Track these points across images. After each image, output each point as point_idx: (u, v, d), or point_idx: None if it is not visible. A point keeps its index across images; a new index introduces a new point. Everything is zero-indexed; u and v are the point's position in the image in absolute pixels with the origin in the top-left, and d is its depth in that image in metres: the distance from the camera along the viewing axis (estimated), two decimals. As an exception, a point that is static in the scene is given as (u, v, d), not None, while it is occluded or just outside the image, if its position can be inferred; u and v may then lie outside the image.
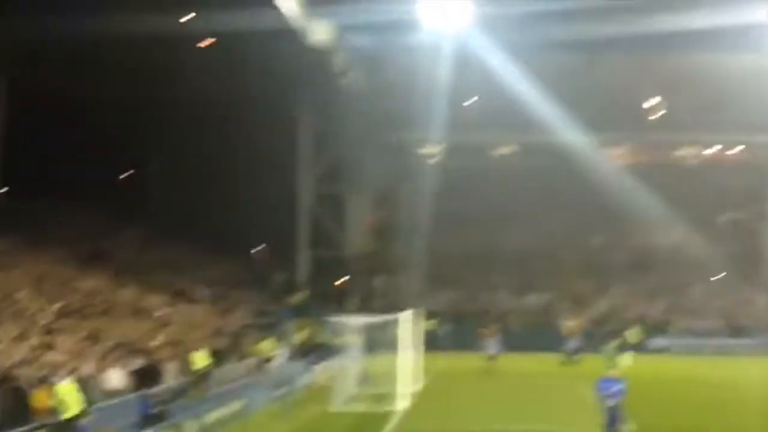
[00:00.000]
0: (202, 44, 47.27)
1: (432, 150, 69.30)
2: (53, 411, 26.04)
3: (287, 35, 45.40)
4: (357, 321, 40.31)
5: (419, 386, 38.45)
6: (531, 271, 68.07)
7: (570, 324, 57.44)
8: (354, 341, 40.70)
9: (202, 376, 37.78)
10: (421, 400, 36.39)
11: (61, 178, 52.97)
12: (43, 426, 25.88)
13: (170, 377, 36.82)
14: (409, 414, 33.09)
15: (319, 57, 51.61)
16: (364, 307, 55.54)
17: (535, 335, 57.73)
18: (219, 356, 42.20)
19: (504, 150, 72.41)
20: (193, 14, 42.80)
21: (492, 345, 47.29)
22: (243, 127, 54.62)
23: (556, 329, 58.16)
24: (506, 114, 61.00)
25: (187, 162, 58.82)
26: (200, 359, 38.67)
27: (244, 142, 56.52)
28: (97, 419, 26.72)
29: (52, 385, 27.14)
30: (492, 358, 46.73)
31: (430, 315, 50.85)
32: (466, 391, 40.29)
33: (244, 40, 44.03)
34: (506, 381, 43.54)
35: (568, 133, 63.40)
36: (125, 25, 40.91)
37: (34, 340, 34.05)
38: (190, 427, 28.48)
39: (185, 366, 38.41)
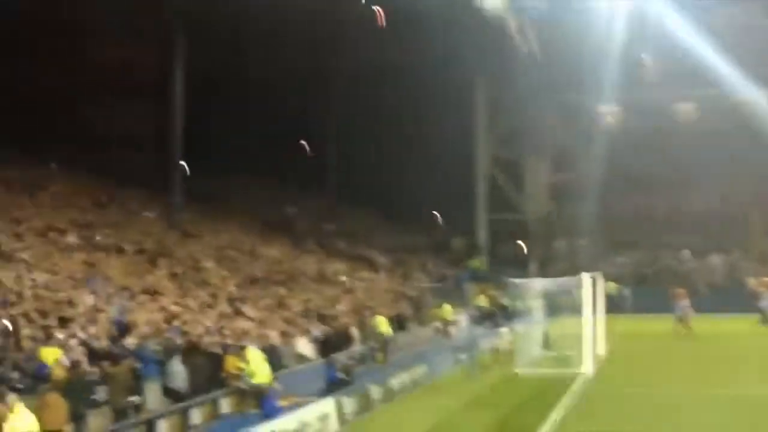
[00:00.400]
0: (378, 12, 47.81)
1: (610, 111, 67.91)
2: (243, 377, 27.25)
3: (461, 1, 45.74)
4: (538, 284, 41.12)
5: (604, 349, 38.47)
6: (714, 231, 66.13)
7: (756, 283, 56.05)
8: (535, 304, 41.25)
9: (385, 341, 38.87)
10: (607, 363, 36.57)
11: (240, 150, 54.81)
12: (233, 392, 27.33)
13: (354, 343, 37.81)
14: (597, 377, 33.27)
15: (493, 21, 51.74)
16: (544, 271, 56.35)
17: (721, 296, 55.84)
18: (401, 321, 43.44)
19: (684, 109, 69.51)
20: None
21: (681, 307, 46.46)
22: (419, 94, 54.92)
23: (742, 289, 56.71)
24: (686, 73, 58.61)
25: (364, 131, 59.88)
26: (383, 325, 39.91)
27: (421, 109, 57.17)
28: (284, 385, 27.69)
29: (241, 352, 29.23)
30: (682, 319, 45.79)
31: (610, 278, 50.11)
32: (657, 354, 39.71)
33: (419, 7, 44.34)
34: (701, 343, 42.44)
35: (751, 90, 60.78)
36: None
37: (221, 309, 35.81)
38: (375, 392, 29.18)
39: (368, 332, 39.66)
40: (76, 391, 22.04)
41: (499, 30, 53.33)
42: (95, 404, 23.10)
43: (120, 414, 23.24)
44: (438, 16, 46.68)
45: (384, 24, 48.93)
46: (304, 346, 35.79)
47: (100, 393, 23.50)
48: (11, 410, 17.02)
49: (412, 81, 53.69)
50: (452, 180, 63.08)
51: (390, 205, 65.04)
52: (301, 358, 34.62)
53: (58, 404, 20.44)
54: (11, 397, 17.42)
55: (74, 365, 23.48)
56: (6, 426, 16.91)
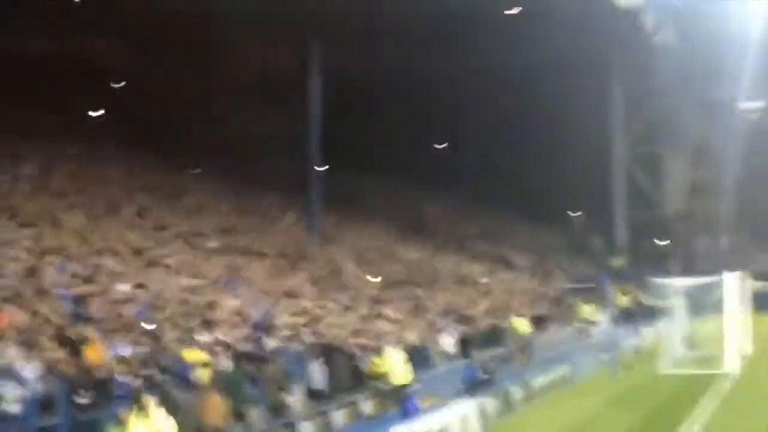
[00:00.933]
0: (512, 11, 47.98)
1: (751, 105, 66.02)
2: (383, 378, 28.05)
3: None
4: (680, 283, 40.54)
5: (750, 349, 38.03)
6: None
7: None
8: (678, 304, 40.85)
9: (526, 341, 39.24)
10: (753, 362, 36.15)
11: (378, 153, 55.94)
12: (374, 392, 28.19)
13: (450, 350, 37.67)
14: (742, 377, 32.96)
15: (629, 15, 51.61)
16: (686, 269, 55.55)
17: None
18: (541, 322, 43.94)
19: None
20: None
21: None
22: (555, 92, 54.94)
23: None
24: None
25: (500, 130, 60.25)
26: (523, 325, 40.12)
27: (557, 106, 56.98)
28: (424, 386, 28.20)
29: (381, 353, 30.19)
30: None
31: (756, 276, 48.68)
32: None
33: (553, 4, 44.63)
34: None
35: None
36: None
37: (363, 311, 36.84)
38: (516, 392, 29.47)
39: (509, 332, 40.20)
40: (235, 391, 23.31)
41: (635, 24, 53.00)
42: (253, 402, 24.24)
43: (276, 412, 24.49)
44: (573, 12, 46.67)
45: (519, 22, 49.05)
46: (448, 345, 36.76)
47: (256, 392, 24.76)
48: (147, 414, 16.39)
49: (548, 79, 53.74)
50: (590, 178, 63.15)
51: (528, 205, 64.77)
52: (443, 358, 35.46)
53: (217, 403, 21.78)
54: (148, 400, 17.14)
55: (217, 367, 24.92)
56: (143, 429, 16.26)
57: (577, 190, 63.19)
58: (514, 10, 48.51)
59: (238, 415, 23.13)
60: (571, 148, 58.00)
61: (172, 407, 18.98)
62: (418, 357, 31.85)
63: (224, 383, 23.44)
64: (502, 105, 58.64)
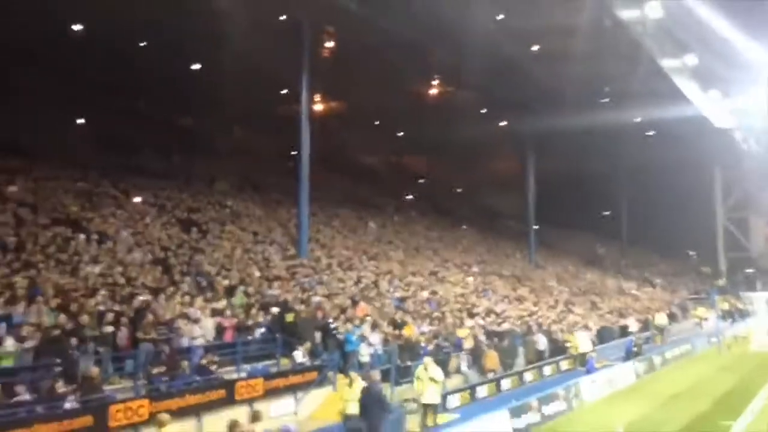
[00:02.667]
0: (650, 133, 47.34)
1: None
2: (574, 348, 28.70)
3: (699, 120, 43.83)
4: (762, 295, 41.55)
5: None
6: None
7: None
8: (761, 308, 40.02)
9: (662, 330, 38.02)
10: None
11: (569, 216, 56.41)
12: (569, 357, 28.64)
13: (639, 330, 37.19)
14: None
15: (726, 133, 48.99)
16: (765, 287, 52.50)
17: None
18: (671, 318, 42.12)
19: None
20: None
21: None
22: (678, 178, 52.81)
23: None
24: None
25: (643, 202, 58.35)
26: (660, 319, 39.14)
27: (680, 187, 55.05)
28: (599, 354, 28.65)
29: (572, 333, 30.59)
30: None
31: None
32: None
33: (677, 126, 43.35)
34: None
35: None
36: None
37: (560, 309, 36.96)
38: (657, 360, 29.36)
39: (651, 324, 39.22)
40: (505, 351, 25.74)
41: (729, 137, 49.90)
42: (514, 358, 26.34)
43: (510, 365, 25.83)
44: (690, 130, 44.48)
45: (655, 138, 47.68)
46: (632, 324, 36.89)
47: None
48: (427, 366, 16.40)
49: (674, 169, 51.63)
50: (702, 230, 61.35)
51: (663, 246, 63.62)
52: (627, 331, 35.50)
53: (493, 355, 24.36)
54: (428, 358, 17.74)
55: (477, 339, 26.20)
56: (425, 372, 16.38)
57: (695, 237, 61.28)
58: (651, 132, 47.49)
59: (508, 365, 25.26)
60: (691, 211, 55.61)
61: (443, 364, 20.07)
62: (608, 335, 32.75)
63: (498, 346, 25.40)
64: (645, 187, 56.87)
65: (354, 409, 14.42)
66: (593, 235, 63.14)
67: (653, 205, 57.50)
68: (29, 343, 14.21)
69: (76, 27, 27.79)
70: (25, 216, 20.89)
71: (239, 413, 15.02)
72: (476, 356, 24.82)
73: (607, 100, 40.71)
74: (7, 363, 13.62)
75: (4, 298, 14.88)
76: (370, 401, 14.15)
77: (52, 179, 25.47)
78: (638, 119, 43.22)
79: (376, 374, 15.34)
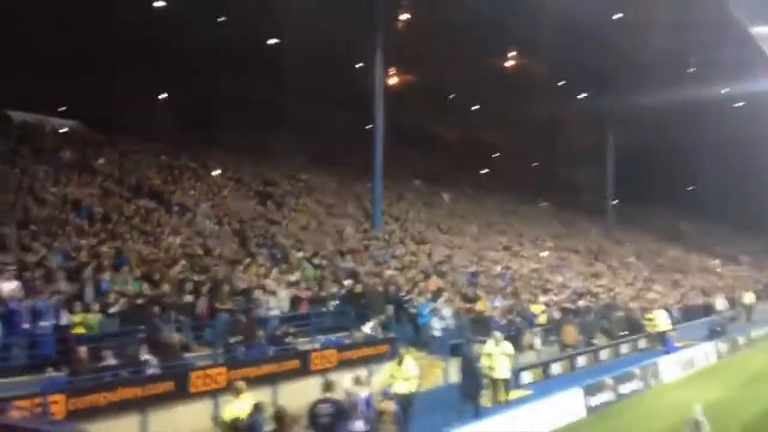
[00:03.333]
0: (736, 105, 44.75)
1: None
2: (653, 326, 27.66)
3: None
4: None
5: None
6: None
7: None
8: None
9: (749, 309, 37.00)
10: None
11: (650, 190, 54.60)
12: (644, 336, 27.76)
13: (723, 309, 36.21)
14: None
15: None
16: None
17: None
18: (758, 297, 40.64)
19: None
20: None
21: None
22: (760, 152, 50.16)
23: None
24: None
25: (736, 173, 55.67)
26: (748, 297, 37.85)
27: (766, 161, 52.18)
28: (680, 334, 28.02)
29: (651, 311, 29.69)
30: None
31: None
32: None
33: (758, 96, 41.02)
34: None
35: None
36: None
37: (639, 285, 36.10)
38: (741, 340, 28.54)
39: (738, 302, 37.95)
40: (584, 325, 25.39)
41: None
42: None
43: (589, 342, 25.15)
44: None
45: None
46: (720, 302, 35.91)
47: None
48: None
49: (761, 143, 49.00)
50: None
51: (751, 222, 60.23)
52: (711, 310, 34.76)
53: (571, 330, 24.00)
54: (498, 334, 17.75)
55: (550, 316, 25.80)
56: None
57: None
58: (739, 104, 44.98)
59: (588, 339, 24.83)
60: None
61: (515, 339, 20.07)
62: (675, 316, 30.79)
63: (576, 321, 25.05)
64: (731, 161, 53.98)
65: (402, 388, 14.33)
66: (676, 211, 60.84)
67: (740, 179, 54.95)
68: (114, 310, 14.77)
69: (158, 4, 28.45)
70: (111, 188, 21.68)
71: (313, 383, 15.32)
72: (551, 331, 24.44)
73: (692, 70, 38.90)
74: (94, 329, 14.17)
75: (92, 266, 15.46)
76: (467, 373, 15.34)
77: (136, 152, 26.34)
78: (726, 90, 41.05)
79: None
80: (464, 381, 15.85)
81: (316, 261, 21.95)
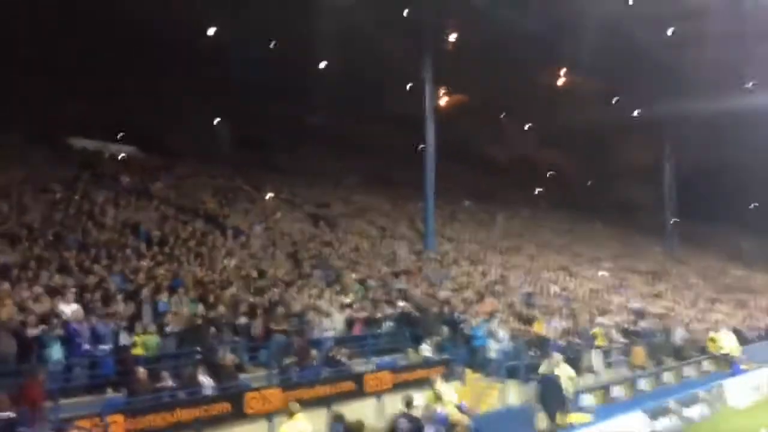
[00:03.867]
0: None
1: None
2: (718, 348, 26.50)
3: None
4: None
5: None
6: None
7: None
8: None
9: None
10: None
11: (711, 210, 53.02)
12: (710, 357, 26.28)
13: None
14: None
15: None
16: None
17: None
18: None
19: None
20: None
21: None
22: None
23: None
24: None
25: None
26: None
27: None
28: (746, 356, 26.97)
29: (717, 332, 28.42)
30: None
31: None
32: None
33: None
34: None
35: None
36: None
37: (701, 306, 34.80)
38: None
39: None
40: (653, 346, 25.01)
41: None
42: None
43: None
44: None
45: None
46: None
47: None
48: (557, 365, 16.12)
49: None
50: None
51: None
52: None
53: (640, 351, 23.75)
54: (557, 356, 17.16)
55: (611, 338, 25.05)
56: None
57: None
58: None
59: (658, 362, 24.32)
60: None
61: (574, 362, 19.24)
62: (742, 337, 29.58)
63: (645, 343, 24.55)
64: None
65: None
66: (738, 229, 58.90)
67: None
68: (170, 330, 15.04)
69: (212, 31, 29.16)
70: (168, 211, 22.10)
71: (368, 405, 15.23)
72: (611, 353, 23.83)
73: (749, 84, 37.81)
74: (152, 350, 14.39)
75: (149, 288, 15.72)
76: (548, 391, 15.15)
77: (191, 176, 26.86)
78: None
79: (559, 359, 16.34)
80: (547, 400, 15.47)
81: (370, 282, 21.89)
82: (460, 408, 12.90)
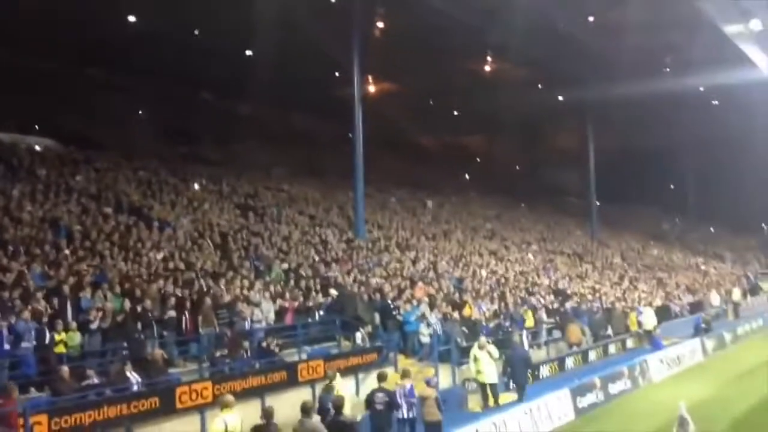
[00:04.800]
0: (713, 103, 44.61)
1: None
2: (638, 327, 28.09)
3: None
4: None
5: None
6: None
7: None
8: None
9: (736, 304, 37.24)
10: None
11: (632, 191, 55.13)
12: (632, 335, 27.95)
13: (712, 306, 36.56)
14: None
15: None
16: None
17: None
18: (745, 293, 40.98)
19: None
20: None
21: None
22: (740, 149, 50.09)
23: None
24: None
25: (717, 171, 55.69)
26: (735, 294, 38.30)
27: (745, 158, 50.55)
28: (665, 331, 28.18)
29: (634, 311, 29.60)
30: None
31: None
32: None
33: (734, 93, 40.22)
34: None
35: None
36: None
37: (624, 285, 36.11)
38: (727, 336, 28.62)
39: (725, 298, 38.17)
40: (592, 323, 26.32)
41: None
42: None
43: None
44: (754, 99, 41.29)
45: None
46: (715, 298, 36.94)
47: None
48: (483, 347, 17.49)
49: (740, 140, 48.89)
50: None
51: (734, 221, 60.47)
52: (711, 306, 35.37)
53: (576, 329, 24.63)
54: (483, 339, 18.26)
55: (537, 318, 25.75)
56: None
57: (764, 208, 57.15)
58: (716, 101, 44.76)
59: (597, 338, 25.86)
60: (762, 183, 51.89)
61: (503, 343, 20.05)
62: (660, 313, 30.90)
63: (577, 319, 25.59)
64: (711, 160, 54.36)
65: None
66: (658, 211, 61.47)
67: (721, 177, 55.27)
68: (95, 327, 14.66)
69: (133, 19, 28.42)
70: (89, 205, 21.47)
71: (302, 395, 15.19)
72: (539, 334, 24.47)
73: (668, 69, 39.24)
74: (75, 348, 14.02)
75: (71, 284, 15.29)
76: (517, 362, 17.62)
77: (114, 169, 26.14)
78: (702, 88, 41.41)
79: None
80: (513, 370, 17.91)
81: (301, 272, 21.82)
82: (428, 383, 13.95)
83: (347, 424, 10.85)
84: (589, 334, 25.73)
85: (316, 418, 10.75)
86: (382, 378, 13.03)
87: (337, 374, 13.26)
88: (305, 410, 10.31)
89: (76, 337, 14.15)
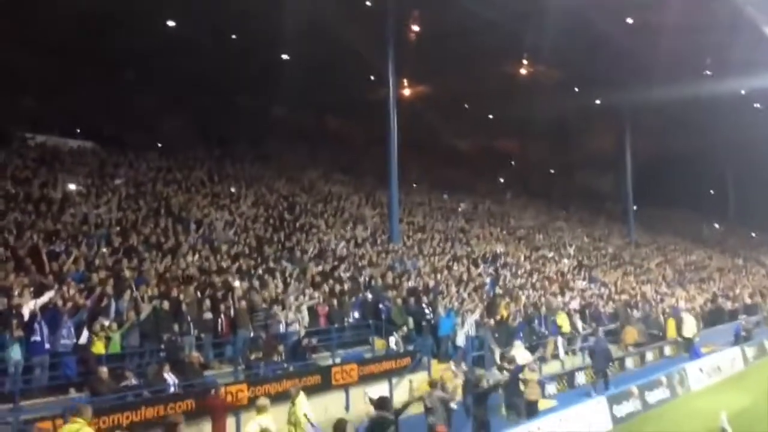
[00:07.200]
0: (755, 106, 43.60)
1: None
2: (678, 332, 27.11)
3: None
4: None
5: None
6: None
7: None
8: None
9: None
10: None
11: (672, 196, 54.30)
12: (670, 343, 27.24)
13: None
14: None
15: None
16: None
17: None
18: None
19: None
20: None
21: None
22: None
23: None
24: None
25: (758, 175, 54.44)
26: (776, 301, 37.21)
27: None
28: (704, 339, 27.11)
29: (677, 316, 28.45)
30: None
31: None
32: None
33: None
34: None
35: None
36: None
37: (663, 290, 34.93)
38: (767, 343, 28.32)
39: (764, 305, 36.97)
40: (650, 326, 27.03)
41: None
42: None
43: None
44: None
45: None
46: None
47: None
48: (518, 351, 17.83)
49: None
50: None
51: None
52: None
53: (632, 330, 25.73)
54: (518, 343, 18.73)
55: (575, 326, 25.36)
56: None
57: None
58: (758, 104, 43.95)
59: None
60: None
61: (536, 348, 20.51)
62: (711, 316, 30.51)
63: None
64: (752, 164, 53.11)
65: None
66: (697, 215, 60.23)
67: (762, 182, 53.88)
68: (134, 330, 14.79)
69: (172, 24, 28.81)
70: (128, 207, 21.73)
71: (336, 399, 15.19)
72: (573, 340, 24.11)
73: (708, 72, 38.43)
74: (114, 349, 14.16)
75: (110, 285, 15.44)
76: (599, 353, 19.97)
77: (152, 171, 26.44)
78: (743, 92, 40.48)
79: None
80: (595, 361, 20.07)
81: (336, 274, 21.82)
82: (532, 369, 16.06)
83: None
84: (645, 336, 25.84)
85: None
86: (434, 383, 13.43)
87: (300, 392, 12.10)
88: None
89: (114, 338, 14.26)
